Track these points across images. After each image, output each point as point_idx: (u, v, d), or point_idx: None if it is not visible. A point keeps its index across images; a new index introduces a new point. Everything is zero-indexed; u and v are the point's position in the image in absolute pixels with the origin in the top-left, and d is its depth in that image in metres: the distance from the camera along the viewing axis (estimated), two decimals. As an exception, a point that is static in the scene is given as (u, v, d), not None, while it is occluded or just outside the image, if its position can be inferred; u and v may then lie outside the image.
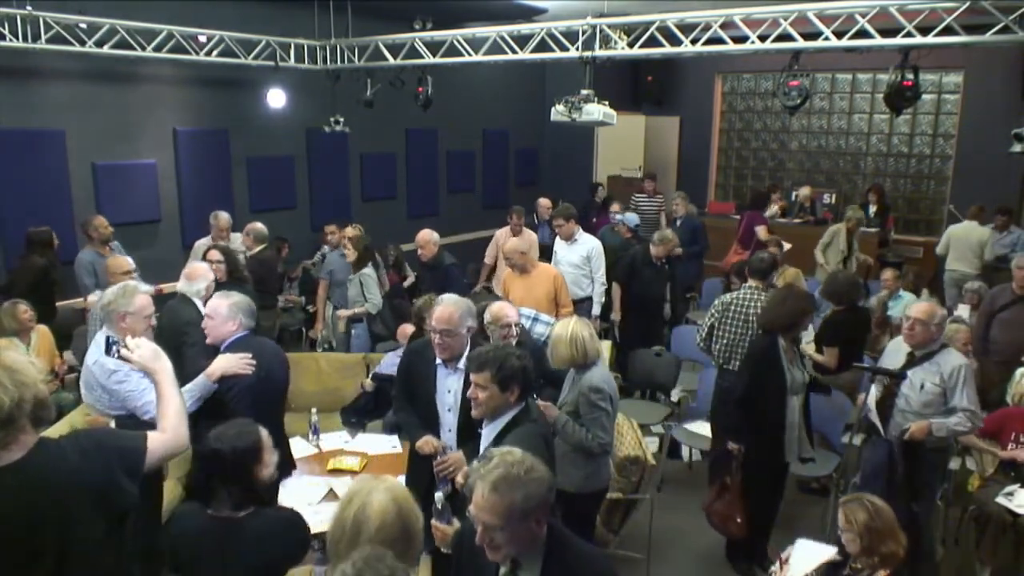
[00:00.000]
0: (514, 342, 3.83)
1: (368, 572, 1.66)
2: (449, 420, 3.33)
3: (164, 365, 2.41)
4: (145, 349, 2.42)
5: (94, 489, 2.02)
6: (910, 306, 3.96)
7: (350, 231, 6.40)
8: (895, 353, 3.96)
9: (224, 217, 6.47)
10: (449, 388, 3.33)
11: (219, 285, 4.50)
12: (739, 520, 4.00)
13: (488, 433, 2.79)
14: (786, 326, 3.98)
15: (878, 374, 4.62)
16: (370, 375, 5.10)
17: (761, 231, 7.94)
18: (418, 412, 3.41)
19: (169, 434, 2.25)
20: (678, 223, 7.86)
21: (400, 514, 1.94)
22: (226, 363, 3.33)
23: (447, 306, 3.24)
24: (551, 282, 5.43)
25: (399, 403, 3.63)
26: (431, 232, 6.10)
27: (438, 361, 3.32)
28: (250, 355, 3.37)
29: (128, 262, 5.00)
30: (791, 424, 3.98)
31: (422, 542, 2.06)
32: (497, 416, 2.75)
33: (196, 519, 2.37)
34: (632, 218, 7.67)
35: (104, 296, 3.38)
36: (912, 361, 3.80)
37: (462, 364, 3.26)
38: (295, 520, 2.39)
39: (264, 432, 2.43)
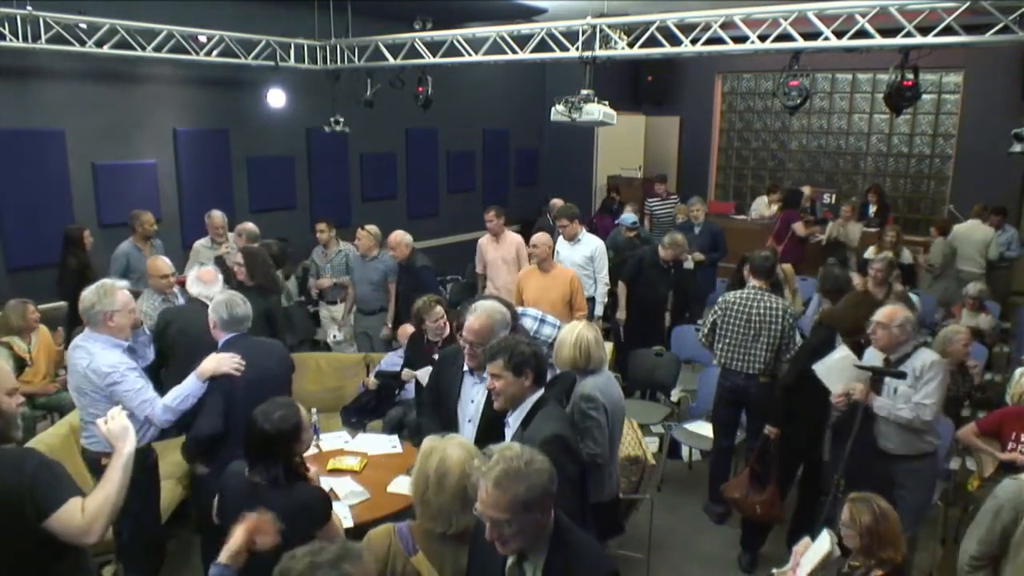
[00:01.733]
0: None
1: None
2: (467, 431, 3.23)
3: (126, 448, 2.29)
4: (116, 425, 2.33)
5: (8, 505, 2.02)
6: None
7: (361, 232, 6.38)
8: (873, 358, 3.85)
9: (217, 216, 6.42)
10: (472, 398, 3.25)
11: (244, 288, 4.47)
12: (759, 509, 4.10)
13: (514, 421, 2.80)
14: (849, 329, 3.99)
15: (879, 374, 4.62)
16: (372, 374, 5.10)
17: (798, 227, 8.28)
18: (441, 420, 3.35)
19: (85, 520, 2.09)
20: (696, 230, 7.49)
21: (461, 470, 2.20)
22: (216, 363, 3.30)
23: (479, 317, 3.15)
24: (568, 284, 5.42)
25: (425, 408, 3.62)
26: (403, 233, 5.94)
27: (465, 368, 3.26)
28: (238, 356, 3.35)
29: (167, 265, 4.86)
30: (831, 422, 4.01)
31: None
32: (518, 404, 2.79)
33: (238, 479, 2.56)
34: (628, 218, 7.64)
35: (84, 299, 3.30)
36: (888, 366, 3.71)
37: (487, 374, 3.17)
38: (312, 503, 2.52)
39: (303, 412, 2.59)
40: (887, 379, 3.66)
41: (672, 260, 6.32)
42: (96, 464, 3.47)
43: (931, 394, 3.58)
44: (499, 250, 6.54)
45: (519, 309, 4.86)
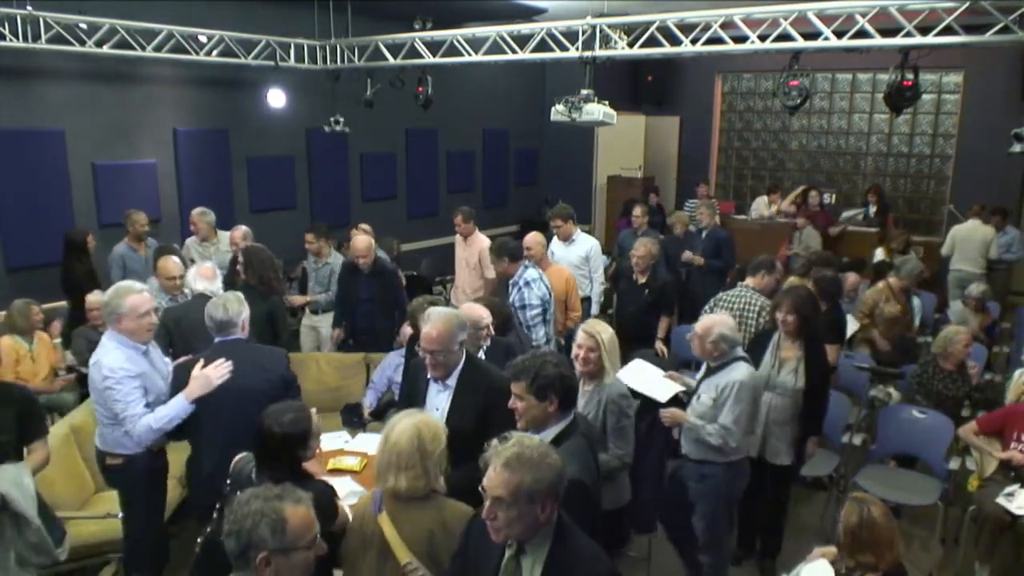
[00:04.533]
0: (488, 343, 3.80)
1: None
2: None
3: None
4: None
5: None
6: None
7: (356, 231, 6.31)
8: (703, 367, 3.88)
9: (193, 213, 6.38)
10: (437, 406, 3.14)
11: (246, 288, 4.46)
12: None
13: None
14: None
15: (877, 374, 4.62)
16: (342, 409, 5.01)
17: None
18: None
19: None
20: (703, 234, 7.08)
21: (417, 435, 2.37)
22: (204, 383, 3.20)
23: (435, 325, 3.03)
24: (563, 284, 5.41)
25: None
26: (369, 239, 5.58)
27: (430, 376, 3.14)
28: (225, 361, 3.25)
29: (177, 267, 4.82)
30: (757, 419, 3.93)
31: (439, 465, 2.40)
32: (542, 429, 2.59)
33: (247, 475, 2.55)
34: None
35: (100, 299, 3.35)
36: (706, 373, 3.71)
37: (452, 381, 3.11)
38: (317, 499, 2.41)
39: (315, 418, 2.60)
40: (700, 389, 3.66)
41: (644, 270, 5.59)
42: (102, 462, 3.49)
43: (736, 419, 3.47)
44: (464, 252, 6.56)
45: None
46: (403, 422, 2.42)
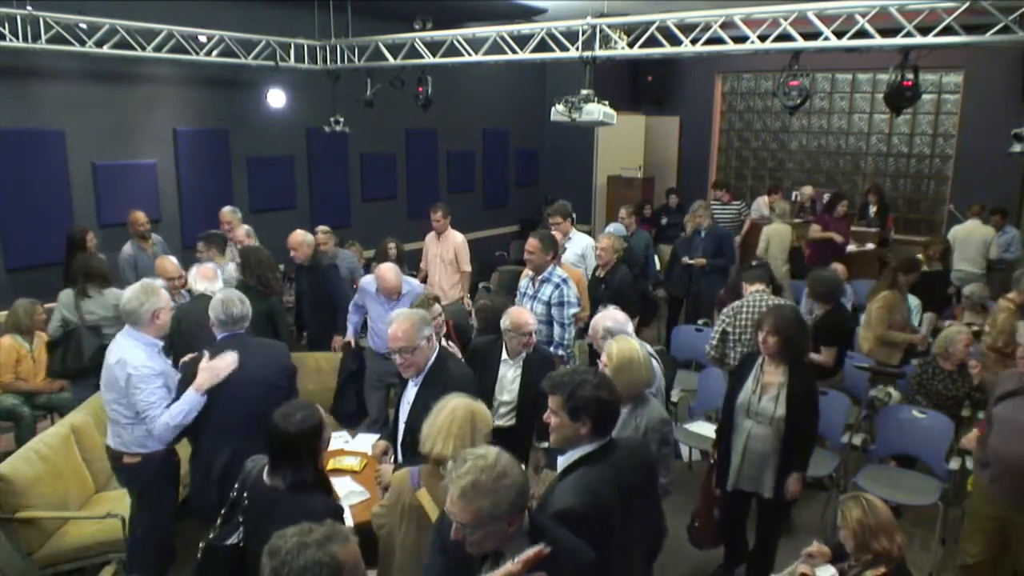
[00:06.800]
0: (529, 350, 3.87)
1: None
2: (400, 432, 3.24)
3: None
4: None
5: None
6: None
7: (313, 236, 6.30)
8: None
9: (225, 212, 6.48)
10: (409, 400, 3.24)
11: (244, 288, 4.45)
12: (696, 524, 4.01)
13: (561, 463, 2.49)
14: None
15: (878, 374, 4.61)
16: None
17: (815, 229, 8.51)
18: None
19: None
20: (702, 234, 7.25)
21: (471, 411, 2.57)
22: (211, 375, 3.27)
23: (399, 323, 3.11)
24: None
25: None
26: (304, 233, 5.75)
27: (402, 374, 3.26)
28: (229, 354, 3.33)
29: (175, 268, 4.91)
30: (734, 447, 3.73)
31: (485, 440, 2.50)
32: (571, 447, 2.45)
33: (255, 476, 2.57)
34: (619, 229, 7.51)
35: (128, 300, 3.35)
36: None
37: (420, 378, 3.19)
38: (326, 510, 2.40)
39: (322, 412, 2.61)
40: None
41: (606, 267, 5.74)
42: (118, 461, 3.49)
43: None
44: (439, 247, 6.66)
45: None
46: (458, 399, 2.60)
